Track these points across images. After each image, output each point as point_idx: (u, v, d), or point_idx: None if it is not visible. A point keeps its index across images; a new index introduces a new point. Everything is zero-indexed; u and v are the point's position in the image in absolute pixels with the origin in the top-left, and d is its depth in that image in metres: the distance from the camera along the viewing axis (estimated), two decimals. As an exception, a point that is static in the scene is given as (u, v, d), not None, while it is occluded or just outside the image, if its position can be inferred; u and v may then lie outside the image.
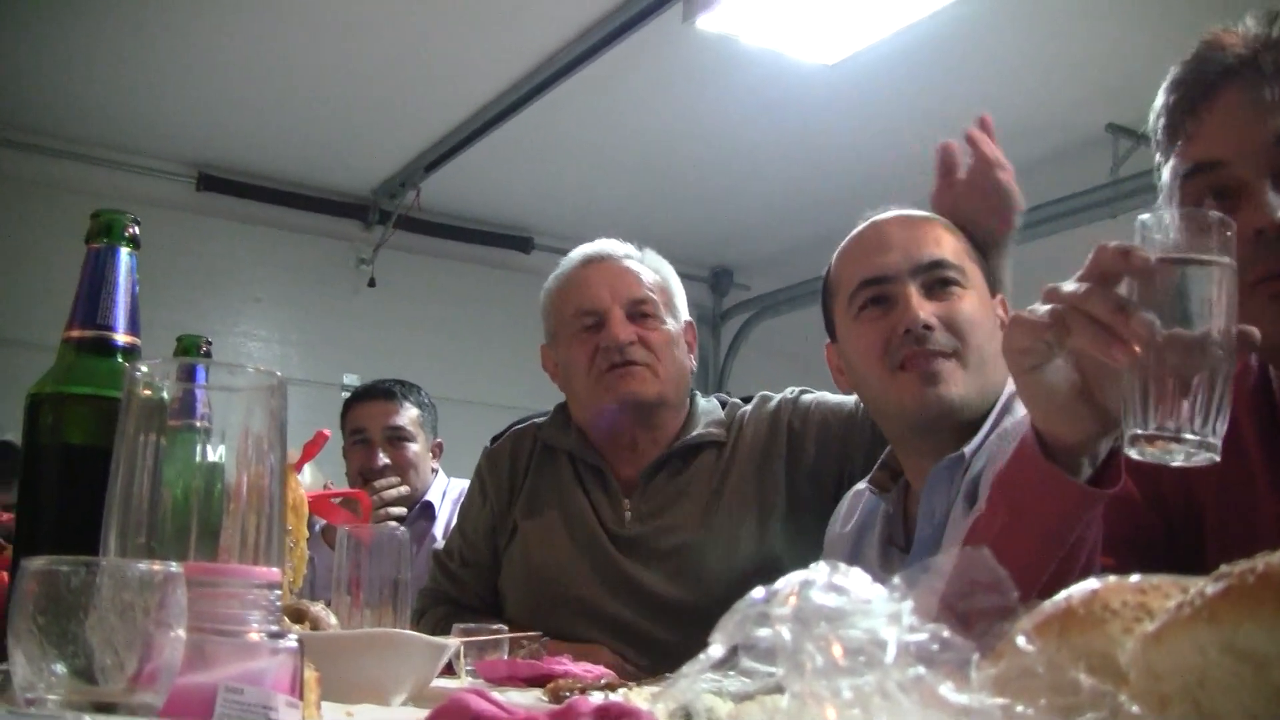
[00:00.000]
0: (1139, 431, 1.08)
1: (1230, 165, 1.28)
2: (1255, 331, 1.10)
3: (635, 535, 2.35)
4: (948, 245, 1.89)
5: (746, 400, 2.49)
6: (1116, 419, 1.16)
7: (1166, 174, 1.36)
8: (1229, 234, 1.08)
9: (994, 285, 1.94)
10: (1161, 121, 1.36)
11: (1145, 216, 1.11)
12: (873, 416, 2.04)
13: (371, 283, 6.64)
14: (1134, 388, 1.08)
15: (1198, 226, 1.09)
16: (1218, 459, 1.07)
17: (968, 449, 1.77)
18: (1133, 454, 1.09)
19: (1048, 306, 1.15)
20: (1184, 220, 1.10)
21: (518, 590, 2.42)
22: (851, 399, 2.28)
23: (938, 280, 1.85)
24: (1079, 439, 1.21)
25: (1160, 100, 1.36)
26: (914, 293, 1.83)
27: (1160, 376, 1.07)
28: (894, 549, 1.91)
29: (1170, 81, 1.35)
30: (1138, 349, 1.07)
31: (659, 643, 2.22)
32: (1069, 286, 1.13)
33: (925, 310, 1.81)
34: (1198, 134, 1.31)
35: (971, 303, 1.85)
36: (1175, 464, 1.08)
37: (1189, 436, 1.06)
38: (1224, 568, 0.59)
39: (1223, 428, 1.07)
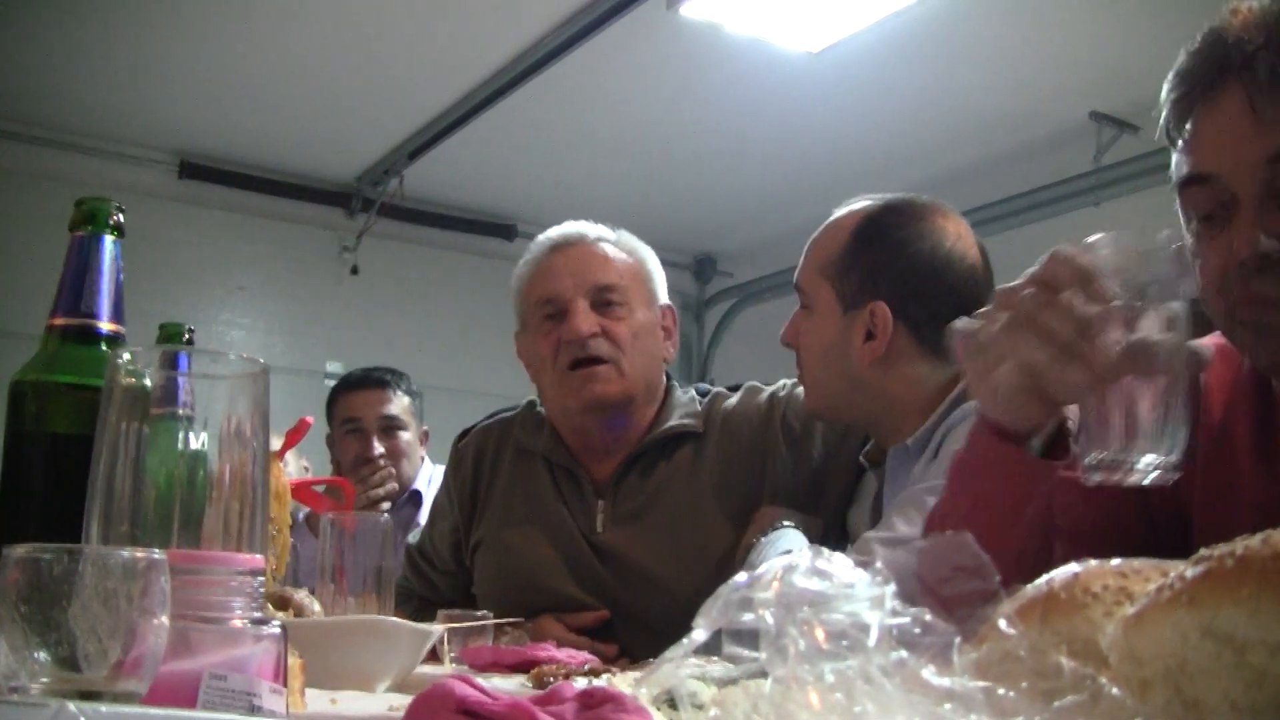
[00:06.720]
0: (1097, 458, 1.08)
1: (1221, 181, 1.21)
2: (1206, 351, 1.10)
3: (609, 540, 2.27)
4: None
5: (735, 389, 2.39)
6: (1063, 404, 1.17)
7: (1174, 164, 1.30)
8: (1182, 257, 1.09)
9: None
10: (1165, 112, 1.28)
11: (1100, 237, 1.12)
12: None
13: (355, 270, 6.62)
14: (1090, 413, 1.09)
15: (1155, 255, 1.10)
16: (1179, 475, 1.07)
17: (910, 440, 1.86)
18: (1094, 479, 1.09)
19: (1003, 316, 1.15)
20: (1140, 248, 1.10)
21: (495, 599, 2.29)
22: None
23: None
24: (1027, 427, 1.22)
25: (1165, 89, 1.28)
26: None
27: (1115, 401, 1.07)
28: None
29: (1175, 71, 1.27)
30: (1095, 372, 1.07)
31: (642, 652, 2.08)
32: (1026, 294, 1.13)
33: None
34: (1197, 137, 1.24)
35: None
36: (1133, 484, 1.08)
37: (1147, 459, 1.06)
38: (1203, 551, 0.59)
39: (1183, 442, 1.07)
